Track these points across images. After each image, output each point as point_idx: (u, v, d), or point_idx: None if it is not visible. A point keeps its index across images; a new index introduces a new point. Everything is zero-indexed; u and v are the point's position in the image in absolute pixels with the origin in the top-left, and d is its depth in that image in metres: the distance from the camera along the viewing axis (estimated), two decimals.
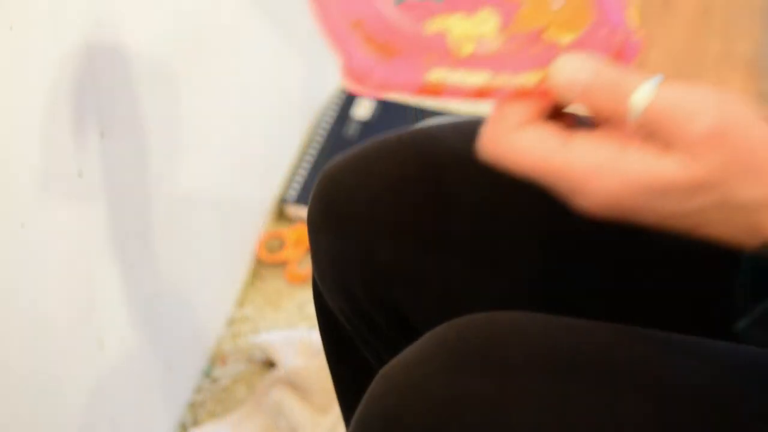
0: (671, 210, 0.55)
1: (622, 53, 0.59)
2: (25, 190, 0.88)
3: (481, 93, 0.58)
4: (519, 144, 0.56)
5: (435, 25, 0.61)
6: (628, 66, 0.59)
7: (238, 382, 1.38)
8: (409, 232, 0.77)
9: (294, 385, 1.32)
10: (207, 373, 1.38)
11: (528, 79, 0.58)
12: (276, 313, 1.46)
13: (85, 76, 0.95)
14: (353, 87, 0.58)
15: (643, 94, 0.55)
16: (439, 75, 0.58)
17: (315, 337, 1.37)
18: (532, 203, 0.74)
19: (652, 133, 0.55)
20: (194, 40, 1.17)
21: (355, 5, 0.61)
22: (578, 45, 0.60)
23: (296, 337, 1.38)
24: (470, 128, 0.73)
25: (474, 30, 0.61)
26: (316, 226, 0.81)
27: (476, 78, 0.58)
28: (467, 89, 0.58)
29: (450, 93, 0.58)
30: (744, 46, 1.90)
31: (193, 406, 1.35)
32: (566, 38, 0.60)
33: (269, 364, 1.39)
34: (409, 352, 0.66)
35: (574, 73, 0.56)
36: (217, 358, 1.40)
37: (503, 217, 0.77)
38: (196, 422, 1.33)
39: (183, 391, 1.33)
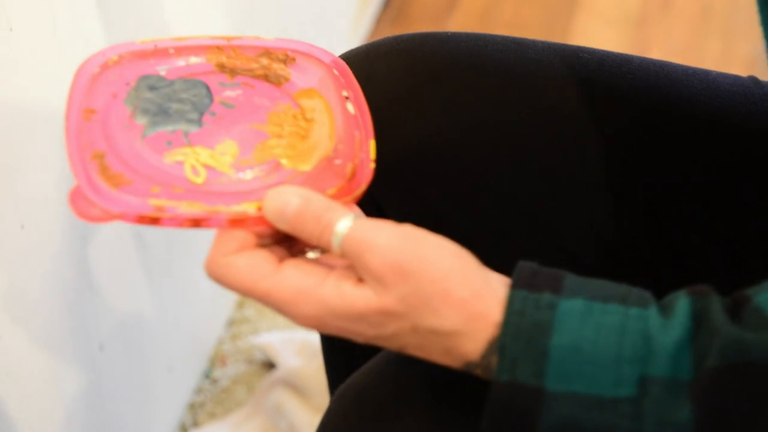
0: (372, 334, 0.59)
1: (353, 180, 0.64)
2: (25, 190, 0.88)
3: (198, 221, 0.61)
4: (232, 268, 0.60)
5: (175, 156, 0.65)
6: (356, 190, 0.63)
7: (238, 383, 1.38)
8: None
9: (294, 385, 1.32)
10: (207, 374, 1.38)
11: (246, 208, 0.62)
12: (276, 314, 1.45)
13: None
14: (77, 215, 0.61)
15: (342, 227, 0.59)
16: (157, 204, 0.61)
17: (315, 337, 1.37)
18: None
19: (351, 263, 0.59)
20: None
21: (102, 138, 0.65)
22: (314, 172, 0.64)
23: (296, 337, 1.38)
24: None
25: (211, 160, 0.65)
26: None
27: (194, 207, 0.62)
28: (184, 217, 0.61)
29: (168, 221, 0.61)
30: (744, 46, 1.90)
31: (193, 407, 1.34)
32: (304, 167, 0.65)
33: (269, 365, 1.39)
34: (364, 372, 0.68)
35: (285, 202, 0.60)
36: (217, 359, 1.40)
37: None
38: (196, 423, 1.33)
39: (183, 392, 1.33)
